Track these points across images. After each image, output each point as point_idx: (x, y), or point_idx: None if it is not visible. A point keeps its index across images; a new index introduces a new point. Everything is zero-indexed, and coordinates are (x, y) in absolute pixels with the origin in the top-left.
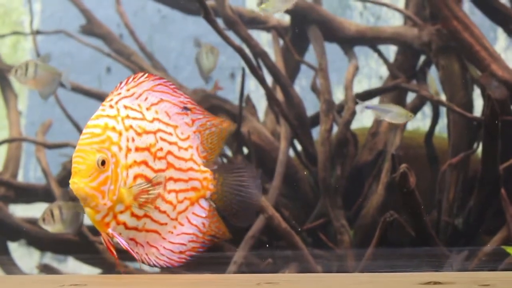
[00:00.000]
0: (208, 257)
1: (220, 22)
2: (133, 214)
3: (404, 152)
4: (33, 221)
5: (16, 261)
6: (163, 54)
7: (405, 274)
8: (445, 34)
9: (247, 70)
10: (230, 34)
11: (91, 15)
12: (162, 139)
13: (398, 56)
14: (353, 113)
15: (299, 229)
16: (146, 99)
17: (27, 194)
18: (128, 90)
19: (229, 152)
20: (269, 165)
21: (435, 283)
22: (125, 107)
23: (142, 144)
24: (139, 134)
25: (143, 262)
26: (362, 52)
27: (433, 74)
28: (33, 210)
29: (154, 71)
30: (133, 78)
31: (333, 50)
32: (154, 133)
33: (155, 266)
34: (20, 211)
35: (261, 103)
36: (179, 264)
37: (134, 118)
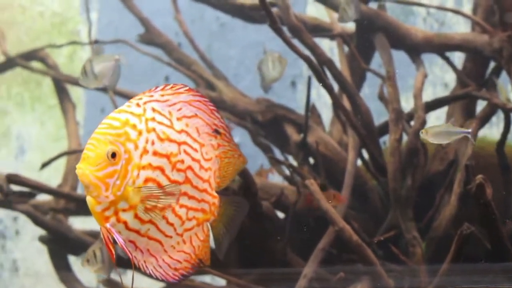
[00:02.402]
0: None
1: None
2: (136, 216)
3: (475, 162)
4: (93, 234)
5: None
6: (223, 62)
7: None
8: None
9: (313, 79)
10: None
11: (149, 24)
12: (186, 153)
13: (467, 63)
14: (423, 122)
15: (378, 240)
16: (179, 109)
17: (87, 206)
18: (162, 95)
19: (295, 163)
20: (337, 176)
21: None
22: (153, 110)
23: (162, 150)
24: (161, 140)
25: (138, 268)
26: (426, 59)
27: (503, 81)
28: (92, 223)
29: (215, 80)
30: (171, 87)
31: (395, 57)
32: (179, 144)
33: (150, 276)
34: (79, 223)
35: (324, 112)
36: (173, 281)
37: (160, 123)
